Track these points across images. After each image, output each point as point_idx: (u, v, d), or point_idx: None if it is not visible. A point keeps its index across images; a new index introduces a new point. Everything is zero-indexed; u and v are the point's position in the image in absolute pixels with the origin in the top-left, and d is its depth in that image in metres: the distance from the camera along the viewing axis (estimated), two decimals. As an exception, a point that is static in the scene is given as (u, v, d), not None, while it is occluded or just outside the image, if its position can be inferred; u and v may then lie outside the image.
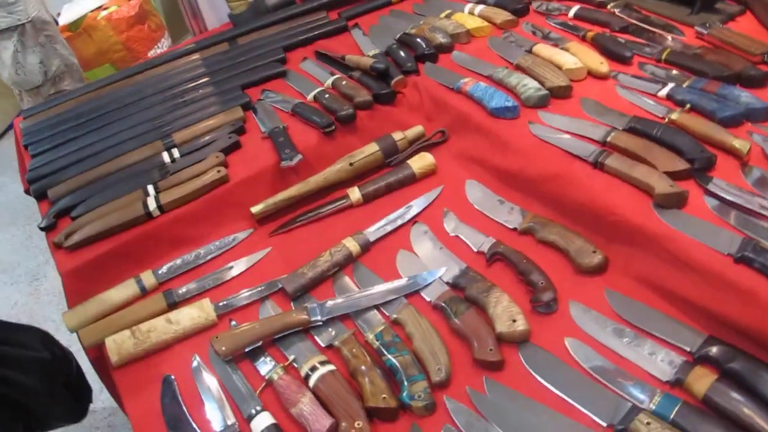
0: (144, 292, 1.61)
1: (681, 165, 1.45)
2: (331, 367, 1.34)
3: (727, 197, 1.39)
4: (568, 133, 1.65)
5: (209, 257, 1.70)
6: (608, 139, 1.57)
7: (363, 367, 1.32)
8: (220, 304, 1.53)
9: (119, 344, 1.46)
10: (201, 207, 1.75)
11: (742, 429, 1.11)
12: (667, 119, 1.60)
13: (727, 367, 1.20)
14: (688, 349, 1.26)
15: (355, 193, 1.76)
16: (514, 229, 1.59)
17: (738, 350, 1.22)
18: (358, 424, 1.23)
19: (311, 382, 1.32)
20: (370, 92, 1.95)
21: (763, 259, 1.24)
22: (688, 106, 1.64)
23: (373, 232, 1.65)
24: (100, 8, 4.33)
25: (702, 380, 1.19)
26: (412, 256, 1.59)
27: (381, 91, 1.94)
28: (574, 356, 1.31)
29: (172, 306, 1.57)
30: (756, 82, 1.70)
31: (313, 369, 1.34)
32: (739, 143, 1.47)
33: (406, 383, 1.28)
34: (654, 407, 1.17)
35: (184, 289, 1.60)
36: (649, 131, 1.56)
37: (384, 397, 1.26)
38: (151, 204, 1.71)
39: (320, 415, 1.26)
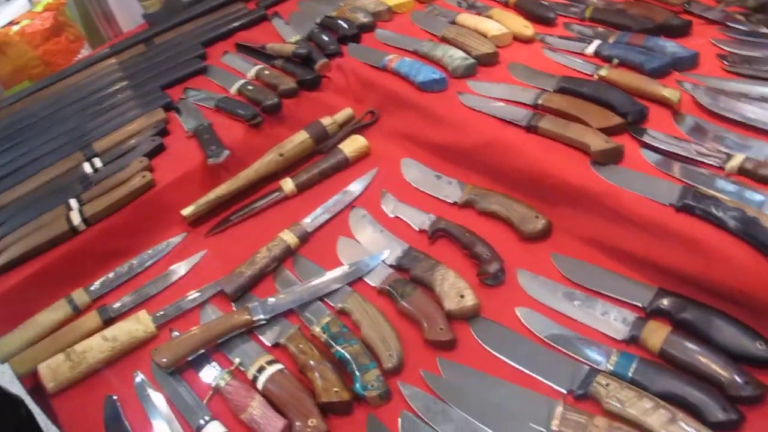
0: (77, 312, 1.52)
1: (614, 120, 1.43)
2: (279, 366, 1.28)
3: (663, 147, 1.38)
4: (498, 99, 1.62)
5: (144, 267, 1.62)
6: (539, 101, 1.55)
7: (312, 362, 1.26)
8: (158, 314, 1.46)
9: (54, 369, 1.38)
10: (129, 215, 1.67)
11: (700, 378, 1.10)
12: (596, 76, 1.58)
13: (679, 318, 1.19)
14: (640, 305, 1.24)
15: (288, 184, 1.70)
16: (455, 204, 1.56)
17: (689, 300, 1.21)
18: (312, 422, 1.18)
19: (260, 384, 1.26)
20: (294, 79, 1.90)
21: (704, 205, 1.22)
22: (616, 61, 1.62)
23: (310, 222, 1.60)
24: (11, 23, 4.14)
25: (656, 334, 1.17)
26: (352, 242, 1.55)
27: (305, 77, 1.89)
28: (526, 325, 1.28)
29: (108, 322, 1.48)
30: (679, 31, 1.71)
31: (261, 370, 1.28)
32: (669, 92, 1.46)
33: (358, 373, 1.23)
34: (611, 367, 1.15)
35: (119, 304, 1.51)
36: (579, 89, 1.54)
37: (336, 391, 1.21)
38: (75, 218, 1.62)
39: (271, 417, 1.20)
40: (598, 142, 1.37)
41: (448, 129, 1.65)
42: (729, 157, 1.31)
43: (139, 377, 1.37)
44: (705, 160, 1.33)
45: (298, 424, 1.18)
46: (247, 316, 1.37)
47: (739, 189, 1.26)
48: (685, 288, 1.24)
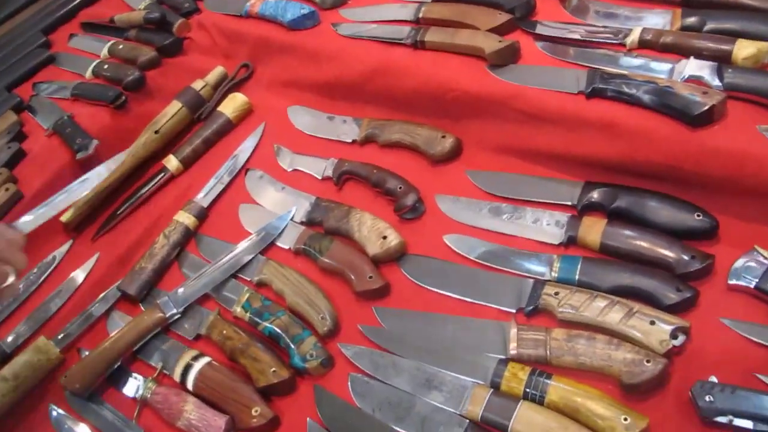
0: None
1: (502, 17, 1.36)
2: (206, 359, 1.18)
3: (558, 35, 1.31)
4: (377, 22, 1.53)
5: (32, 289, 1.46)
6: (420, 15, 1.46)
7: (240, 346, 1.16)
8: (60, 336, 1.31)
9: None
10: None
11: (646, 264, 1.06)
12: (471, -24, 1.48)
13: (612, 208, 1.15)
14: (569, 203, 1.19)
15: (171, 162, 1.57)
16: (354, 142, 1.47)
17: (618, 187, 1.17)
18: (256, 411, 1.08)
19: (189, 383, 1.15)
20: (153, 47, 1.76)
21: (614, 86, 1.16)
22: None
23: (204, 196, 1.48)
24: None
25: (593, 229, 1.13)
26: (255, 207, 1.44)
27: (164, 42, 1.76)
28: (458, 252, 1.21)
29: (5, 360, 1.32)
30: None
31: (187, 368, 1.17)
32: (550, -23, 1.38)
33: (293, 346, 1.14)
34: (556, 275, 1.10)
35: (12, 336, 1.36)
36: (458, -6, 1.44)
37: (274, 371, 1.11)
38: None
39: (210, 417, 1.10)
40: (491, 44, 1.28)
41: (329, 65, 1.54)
42: (627, 32, 1.24)
43: (56, 412, 1.23)
44: (604, 40, 1.26)
45: (241, 417, 1.08)
46: (159, 314, 1.25)
47: (644, 62, 1.20)
48: (611, 176, 1.20)
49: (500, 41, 1.28)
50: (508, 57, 1.29)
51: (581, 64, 1.24)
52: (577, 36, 1.28)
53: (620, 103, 1.16)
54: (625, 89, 1.14)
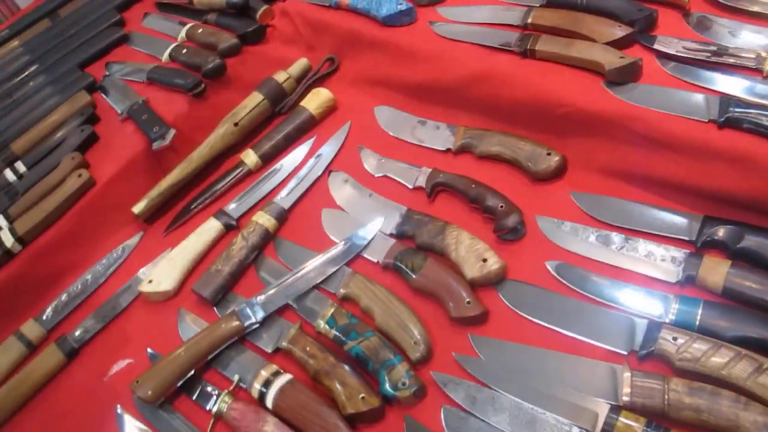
0: (31, 349, 1.33)
1: (622, 31, 1.26)
2: (288, 376, 1.11)
3: (683, 55, 1.20)
4: (479, 24, 1.44)
5: (100, 281, 1.43)
6: (529, 20, 1.37)
7: (326, 367, 1.09)
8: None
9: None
10: (71, 224, 1.48)
11: None
12: (585, -19, 1.38)
13: (737, 249, 1.06)
14: (687, 239, 1.10)
15: (250, 157, 1.52)
16: (448, 150, 1.39)
17: (743, 225, 1.07)
18: (341, 439, 1.00)
19: (269, 401, 1.09)
20: (234, 34, 1.70)
21: (752, 116, 1.06)
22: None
23: (285, 197, 1.41)
24: None
25: (716, 270, 1.04)
26: (339, 213, 1.37)
27: (246, 29, 1.70)
28: (562, 281, 1.13)
29: (72, 355, 1.30)
30: None
31: (267, 384, 1.10)
32: (675, -10, 1.28)
33: (382, 372, 1.06)
34: (673, 317, 1.01)
35: (80, 330, 1.33)
36: (572, 0, 1.35)
37: (363, 397, 1.04)
38: (7, 239, 1.41)
39: (292, 440, 1.03)
40: (611, 59, 1.19)
41: (424, 65, 1.46)
42: (764, 57, 1.14)
43: (125, 417, 1.17)
44: (738, 63, 1.16)
45: (324, 445, 1.01)
46: (237, 322, 1.19)
47: (784, 92, 1.11)
48: (734, 212, 1.10)
49: (621, 57, 1.19)
50: (629, 75, 1.19)
51: (711, 89, 1.14)
52: (704, 57, 1.18)
53: (757, 135, 1.06)
54: (765, 121, 1.04)
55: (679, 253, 1.08)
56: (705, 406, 0.90)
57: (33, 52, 1.96)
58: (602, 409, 0.95)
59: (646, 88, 1.19)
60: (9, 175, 1.57)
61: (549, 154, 1.25)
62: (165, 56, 1.73)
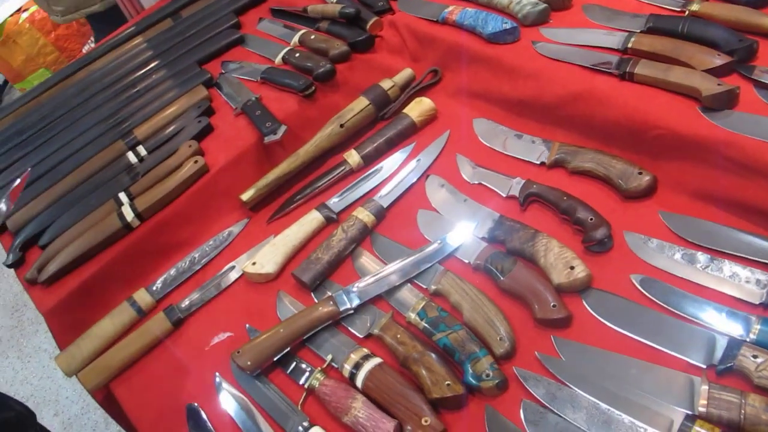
0: (141, 315, 1.44)
1: (720, 59, 1.28)
2: (378, 360, 1.17)
3: (784, 86, 1.22)
4: (580, 46, 1.47)
5: (206, 260, 1.52)
6: (629, 45, 1.39)
7: (415, 354, 1.15)
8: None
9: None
10: (184, 205, 1.57)
11: None
12: (687, 11, 1.41)
13: None
14: (773, 263, 1.11)
15: (353, 157, 1.58)
16: (542, 164, 1.43)
17: None
18: (426, 421, 1.07)
19: (358, 382, 1.16)
20: (344, 42, 1.76)
21: None
22: (707, -8, 1.46)
23: (384, 196, 1.48)
24: (19, 11, 4.00)
25: None
26: (434, 214, 1.42)
27: (357, 38, 1.75)
28: (646, 294, 1.16)
29: (178, 324, 1.40)
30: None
31: (358, 366, 1.17)
32: (776, 22, 1.30)
33: (467, 363, 1.12)
34: (755, 336, 1.03)
35: (187, 302, 1.42)
36: (673, 28, 1.38)
37: (448, 384, 1.10)
38: (128, 214, 1.51)
39: (379, 418, 1.10)
40: (708, 86, 1.22)
41: (525, 82, 1.50)
42: None
43: (223, 384, 1.26)
44: (836, 96, 1.18)
45: (408, 427, 1.08)
46: (333, 307, 1.26)
47: None
48: (821, 239, 1.11)
49: (719, 84, 1.22)
50: (725, 102, 1.22)
51: (807, 118, 1.17)
52: (805, 89, 1.21)
53: None
54: None
55: (764, 276, 1.09)
56: (783, 424, 0.92)
57: (156, 48, 2.05)
58: (678, 416, 0.98)
59: (742, 116, 1.21)
60: (131, 157, 1.67)
61: (641, 173, 1.28)
62: (278, 59, 1.80)
